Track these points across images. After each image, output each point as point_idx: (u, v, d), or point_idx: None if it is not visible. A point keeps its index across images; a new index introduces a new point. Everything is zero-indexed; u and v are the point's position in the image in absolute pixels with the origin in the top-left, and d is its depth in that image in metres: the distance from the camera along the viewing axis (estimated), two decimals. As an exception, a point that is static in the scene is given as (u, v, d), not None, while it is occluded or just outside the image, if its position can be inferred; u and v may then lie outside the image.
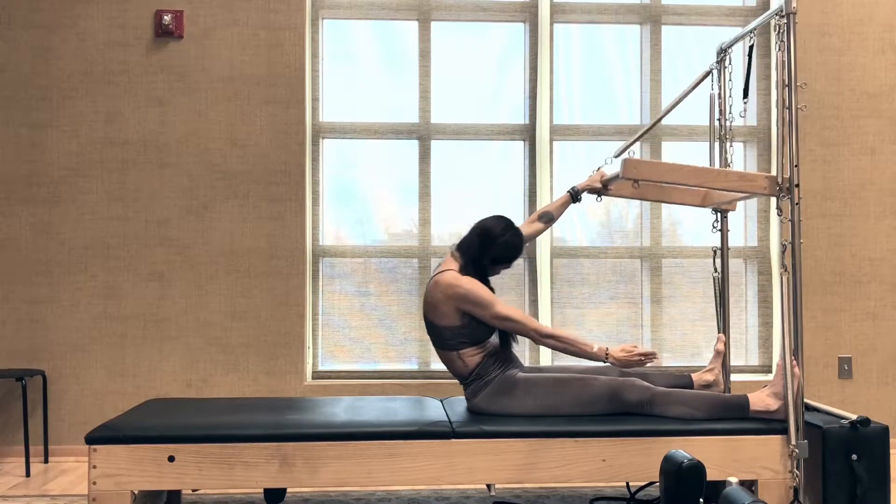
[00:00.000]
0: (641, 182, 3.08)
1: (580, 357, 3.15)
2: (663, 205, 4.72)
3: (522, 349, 4.64)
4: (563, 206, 3.57)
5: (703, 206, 3.56)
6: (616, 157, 3.69)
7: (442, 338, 3.20)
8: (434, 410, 3.23)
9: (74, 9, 4.46)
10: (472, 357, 3.20)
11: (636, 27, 4.79)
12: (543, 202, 4.63)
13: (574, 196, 3.55)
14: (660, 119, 3.63)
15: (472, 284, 3.15)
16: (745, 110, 3.42)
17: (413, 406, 3.33)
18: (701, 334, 4.74)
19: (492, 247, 3.24)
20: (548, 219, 3.55)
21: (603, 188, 3.49)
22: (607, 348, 3.15)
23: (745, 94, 3.35)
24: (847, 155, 4.66)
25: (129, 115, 4.47)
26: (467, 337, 3.18)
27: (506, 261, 3.28)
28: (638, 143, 4.73)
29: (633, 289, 4.73)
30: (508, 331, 3.20)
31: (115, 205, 4.46)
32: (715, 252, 3.66)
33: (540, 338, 3.14)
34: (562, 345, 3.13)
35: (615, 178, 3.26)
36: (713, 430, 3.00)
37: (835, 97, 4.65)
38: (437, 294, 3.17)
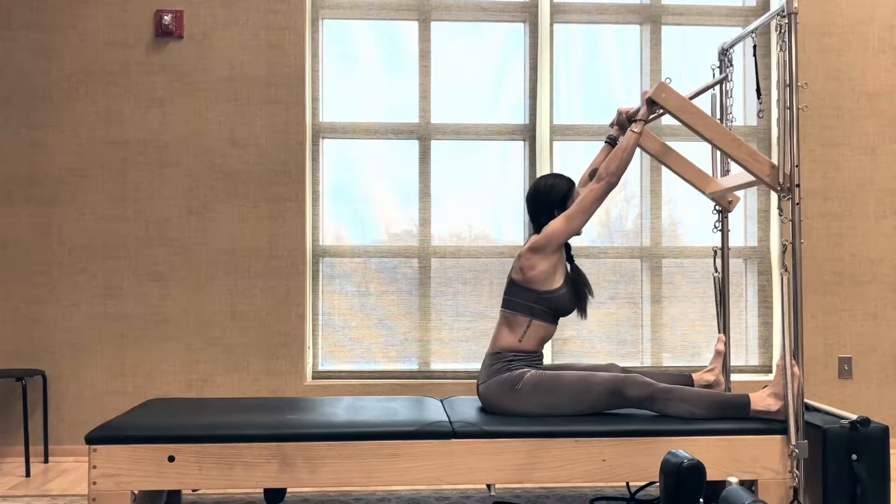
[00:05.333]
0: (659, 132, 3.04)
1: (633, 149, 3.15)
2: (663, 204, 4.73)
3: (522, 349, 4.64)
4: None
5: (704, 193, 3.55)
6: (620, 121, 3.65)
7: (526, 299, 3.20)
8: (434, 410, 3.23)
9: (74, 9, 4.46)
10: (534, 337, 3.21)
11: (636, 27, 4.79)
12: (543, 202, 4.63)
13: (613, 144, 3.50)
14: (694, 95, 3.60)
15: (548, 226, 3.20)
16: (761, 111, 3.41)
17: (413, 406, 3.33)
18: (701, 334, 4.74)
19: (549, 195, 3.28)
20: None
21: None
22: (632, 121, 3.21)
23: (759, 95, 3.34)
24: (847, 155, 4.66)
25: (129, 115, 4.47)
26: (552, 305, 3.19)
27: (569, 196, 3.28)
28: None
29: (633, 289, 4.73)
30: (595, 208, 3.16)
31: (115, 205, 4.46)
32: (715, 252, 3.66)
33: (609, 180, 3.13)
34: (621, 161, 3.13)
35: (639, 109, 3.23)
36: (713, 430, 2.99)
37: (835, 97, 4.65)
38: (532, 257, 3.18)
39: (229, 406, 3.32)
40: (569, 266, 3.32)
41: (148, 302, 4.46)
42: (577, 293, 3.27)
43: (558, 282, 3.21)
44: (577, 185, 3.46)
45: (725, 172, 3.65)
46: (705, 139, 3.04)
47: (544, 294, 3.19)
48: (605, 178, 3.13)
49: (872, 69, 4.67)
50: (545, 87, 4.67)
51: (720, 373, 3.47)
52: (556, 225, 3.18)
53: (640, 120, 3.17)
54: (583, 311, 3.30)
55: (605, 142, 3.53)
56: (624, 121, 3.48)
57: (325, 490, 3.73)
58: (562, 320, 4.67)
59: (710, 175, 3.65)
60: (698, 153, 4.73)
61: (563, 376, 3.15)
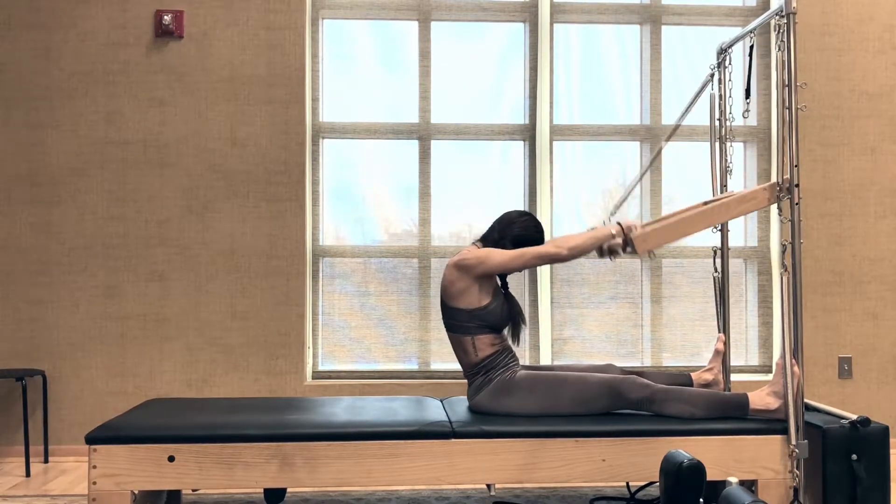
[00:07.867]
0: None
1: (603, 243, 3.08)
2: (663, 204, 4.73)
3: (522, 349, 4.64)
4: None
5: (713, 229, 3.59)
6: (612, 214, 3.65)
7: (459, 320, 3.20)
8: (434, 410, 3.23)
9: (74, 9, 4.46)
10: (484, 346, 3.20)
11: (636, 27, 4.79)
12: (544, 202, 4.63)
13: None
14: (657, 155, 3.64)
15: (487, 250, 3.18)
16: (747, 110, 3.42)
17: (413, 406, 3.33)
18: (701, 334, 4.74)
19: (511, 226, 3.27)
20: None
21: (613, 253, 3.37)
22: (619, 223, 3.10)
23: (748, 94, 3.35)
24: (847, 155, 4.66)
25: (129, 115, 4.47)
26: (485, 320, 3.18)
27: (526, 241, 3.26)
28: (638, 144, 4.74)
29: (633, 289, 4.73)
30: (530, 265, 3.13)
31: (115, 205, 4.46)
32: (715, 252, 3.66)
33: (561, 252, 3.09)
34: (583, 246, 3.08)
35: (626, 241, 3.11)
36: (713, 430, 3.00)
37: (835, 97, 4.65)
38: (454, 273, 3.18)
39: (229, 406, 3.32)
40: (503, 293, 3.29)
41: (148, 302, 4.46)
42: (509, 312, 3.25)
43: (485, 298, 3.19)
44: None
45: (724, 186, 3.64)
46: (705, 228, 3.05)
47: (476, 311, 3.18)
48: (559, 249, 3.09)
49: (872, 69, 4.67)
50: (545, 87, 4.67)
51: (719, 372, 3.47)
52: (495, 256, 3.15)
53: (620, 243, 3.08)
54: (516, 338, 3.29)
55: (603, 223, 3.37)
56: (618, 244, 3.18)
57: (325, 490, 3.73)
58: (561, 319, 4.67)
59: (710, 186, 3.65)
60: (699, 153, 4.74)
61: (560, 377, 3.15)
